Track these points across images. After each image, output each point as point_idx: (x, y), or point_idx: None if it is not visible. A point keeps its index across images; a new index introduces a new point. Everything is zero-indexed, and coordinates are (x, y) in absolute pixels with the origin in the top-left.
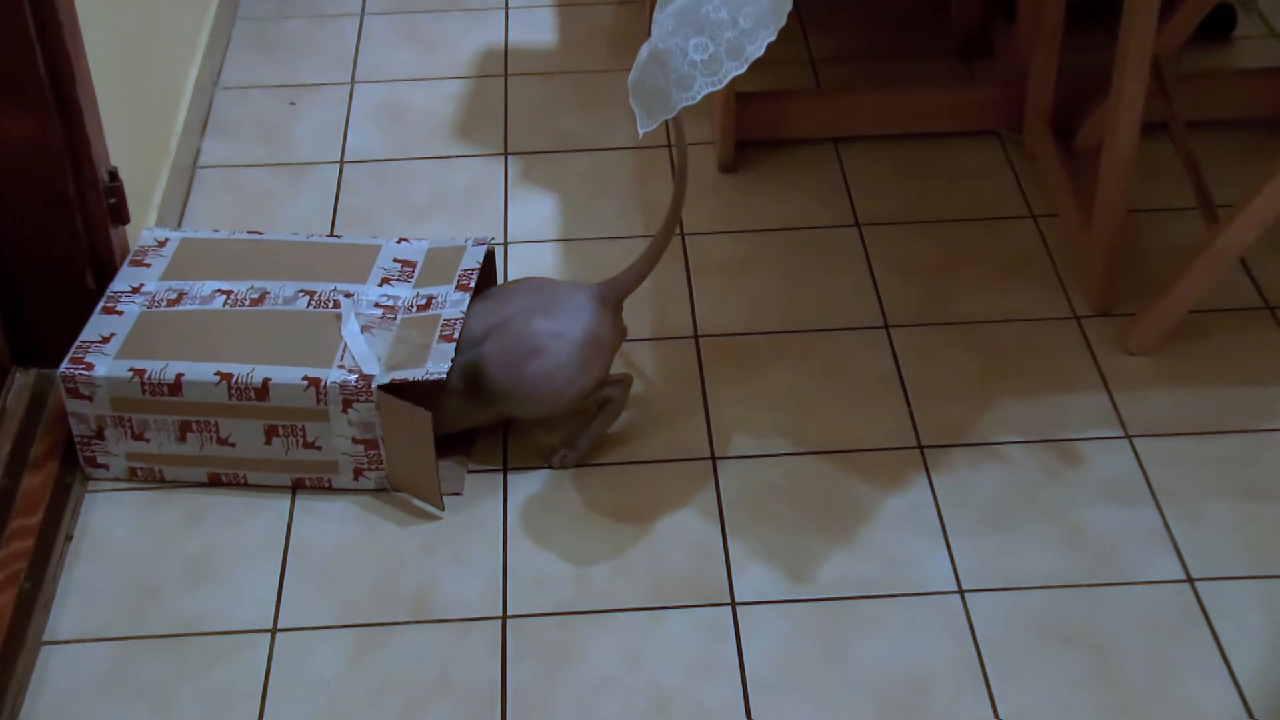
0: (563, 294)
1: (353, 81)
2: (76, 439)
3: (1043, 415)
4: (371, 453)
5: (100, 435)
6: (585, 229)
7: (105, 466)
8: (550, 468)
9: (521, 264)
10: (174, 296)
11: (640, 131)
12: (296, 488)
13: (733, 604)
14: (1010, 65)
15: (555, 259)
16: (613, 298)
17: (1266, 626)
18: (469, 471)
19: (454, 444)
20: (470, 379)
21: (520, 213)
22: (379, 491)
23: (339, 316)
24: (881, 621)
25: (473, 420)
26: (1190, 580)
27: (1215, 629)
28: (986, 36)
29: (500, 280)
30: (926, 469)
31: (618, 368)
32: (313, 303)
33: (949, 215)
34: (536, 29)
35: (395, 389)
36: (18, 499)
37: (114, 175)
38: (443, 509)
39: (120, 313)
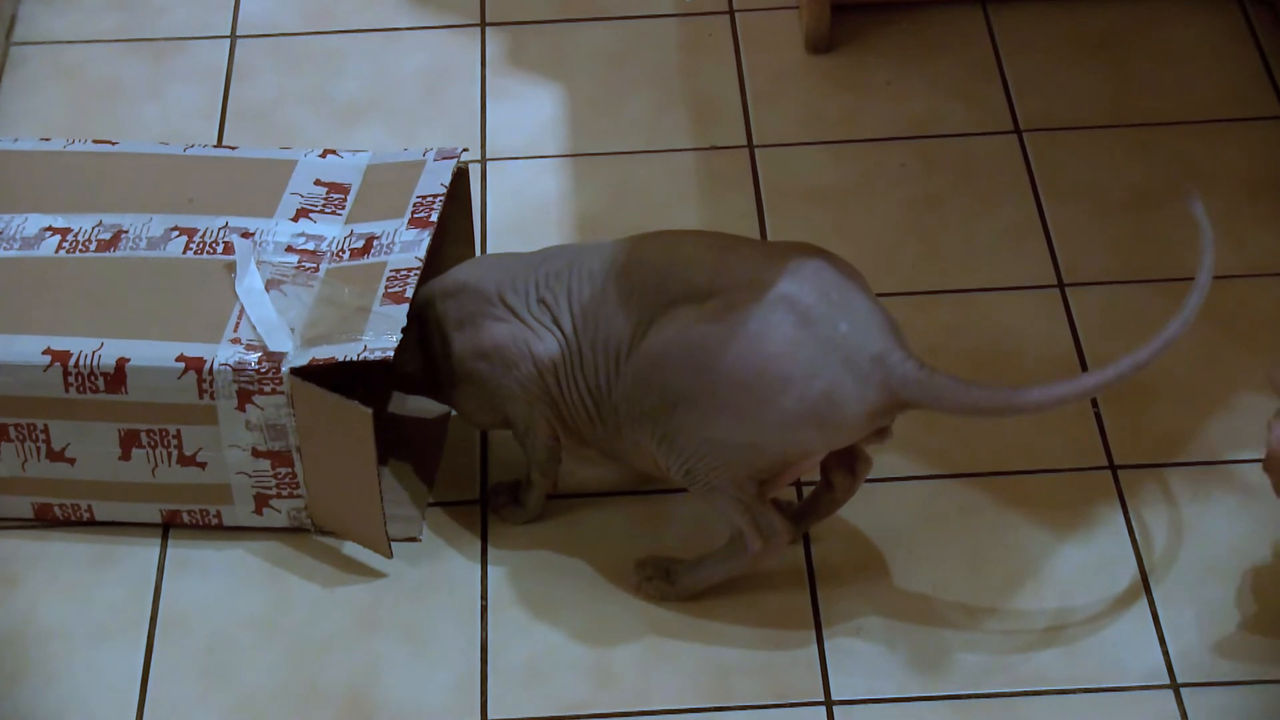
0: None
1: None
2: None
3: None
4: (282, 472)
5: None
6: (604, 138)
7: None
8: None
9: (507, 189)
10: None
11: None
12: (169, 526)
13: (828, 703)
14: None
15: (558, 183)
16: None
17: None
18: (430, 505)
19: (409, 462)
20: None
21: (505, 113)
22: (293, 532)
23: (232, 266)
24: None
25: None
26: None
27: None
28: None
29: (476, 213)
30: (1123, 501)
31: None
32: (193, 246)
33: (1157, 116)
34: None
35: (318, 374)
36: None
37: None
38: (390, 556)
39: None
